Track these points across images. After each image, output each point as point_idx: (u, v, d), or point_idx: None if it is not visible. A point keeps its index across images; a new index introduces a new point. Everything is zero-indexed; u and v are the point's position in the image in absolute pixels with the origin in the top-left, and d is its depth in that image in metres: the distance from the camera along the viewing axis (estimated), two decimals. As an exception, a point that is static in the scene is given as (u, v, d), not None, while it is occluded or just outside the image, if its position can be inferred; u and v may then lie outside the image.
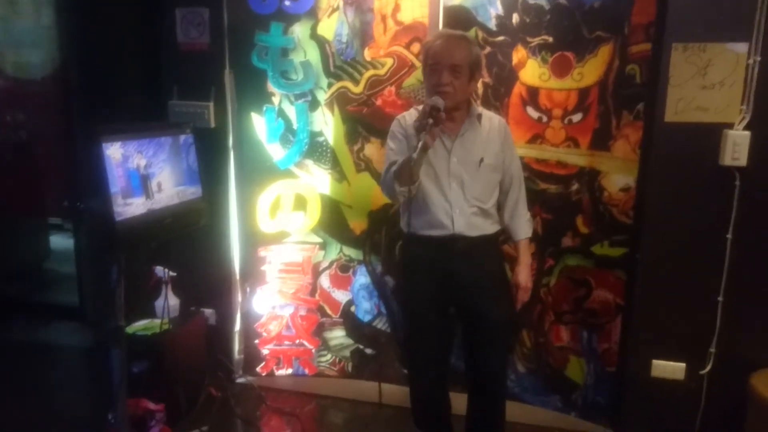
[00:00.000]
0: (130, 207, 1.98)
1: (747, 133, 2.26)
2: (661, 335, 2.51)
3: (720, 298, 2.41)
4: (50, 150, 3.34)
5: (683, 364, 2.51)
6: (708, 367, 2.47)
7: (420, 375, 2.31)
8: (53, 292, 4.15)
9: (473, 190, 2.10)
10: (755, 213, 2.33)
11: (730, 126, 2.28)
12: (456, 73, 2.02)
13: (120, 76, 2.90)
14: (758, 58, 2.22)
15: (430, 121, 1.90)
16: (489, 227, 2.16)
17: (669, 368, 2.52)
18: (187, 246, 2.70)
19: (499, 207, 2.23)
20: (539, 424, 2.57)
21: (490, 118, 2.18)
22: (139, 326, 2.64)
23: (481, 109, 2.18)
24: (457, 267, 2.13)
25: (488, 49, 2.55)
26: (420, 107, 2.15)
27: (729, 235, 2.36)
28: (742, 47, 2.23)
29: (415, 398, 2.37)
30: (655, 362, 2.53)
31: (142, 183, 2.03)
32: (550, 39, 2.48)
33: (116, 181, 1.89)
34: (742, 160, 2.27)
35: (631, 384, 2.58)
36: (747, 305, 2.40)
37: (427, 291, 2.16)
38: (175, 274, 2.71)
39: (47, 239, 4.61)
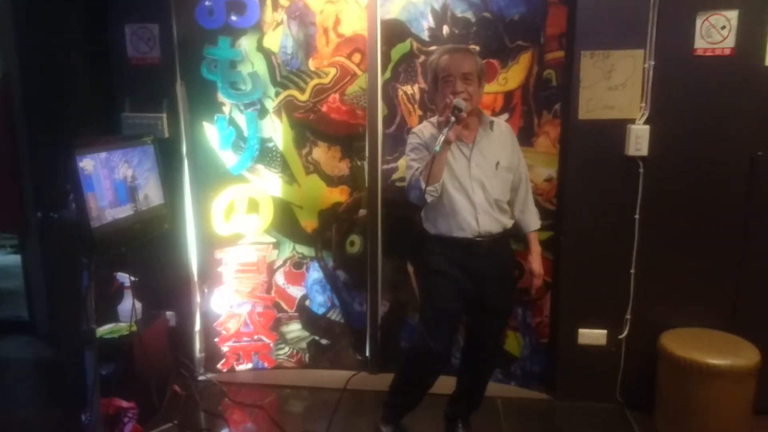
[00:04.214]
0: (106, 215, 2.11)
1: (647, 127, 2.62)
2: (585, 307, 2.85)
3: (632, 271, 2.77)
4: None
5: (605, 331, 2.85)
6: (625, 332, 2.83)
7: (434, 363, 2.45)
8: (-4, 308, 4.10)
9: (493, 192, 2.31)
10: (657, 195, 2.70)
11: (633, 121, 2.64)
12: (468, 81, 2.24)
13: (69, 90, 2.96)
14: (652, 62, 2.59)
15: (453, 119, 2.12)
16: (507, 222, 2.40)
17: (593, 335, 2.86)
18: (147, 251, 2.81)
19: (509, 203, 2.44)
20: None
21: (498, 123, 2.41)
22: (105, 330, 2.73)
23: (491, 117, 2.41)
24: (481, 263, 2.33)
25: (422, 57, 2.80)
26: (433, 119, 2.36)
27: (636, 216, 2.72)
28: (639, 53, 2.60)
29: (419, 385, 2.55)
30: (581, 331, 2.87)
31: (129, 193, 2.17)
32: (477, 48, 2.76)
33: (104, 193, 2.03)
34: (644, 151, 2.64)
35: (561, 352, 2.91)
36: (655, 276, 2.76)
37: (452, 285, 2.35)
38: (136, 279, 2.82)
39: (-16, 255, 4.53)
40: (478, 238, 2.31)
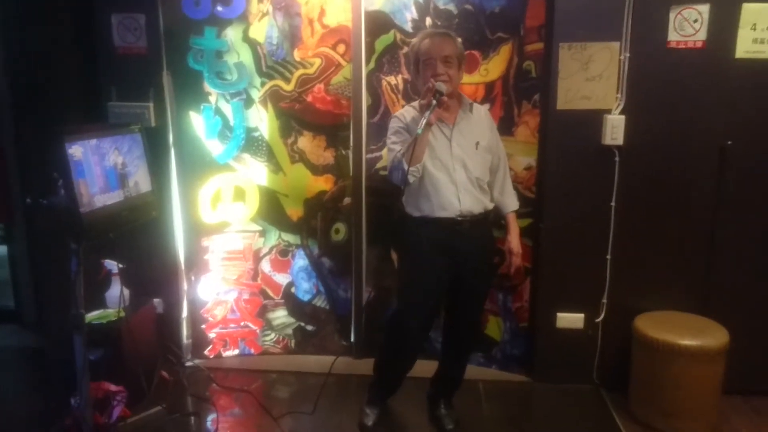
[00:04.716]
0: (97, 201, 2.15)
1: (622, 117, 2.71)
2: (563, 291, 2.94)
3: (608, 256, 2.86)
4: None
5: (582, 315, 2.95)
6: (602, 316, 2.93)
7: (410, 340, 2.53)
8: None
9: (474, 171, 2.39)
10: (632, 183, 2.79)
11: (609, 111, 2.73)
12: (448, 64, 2.31)
13: (56, 79, 2.98)
14: (628, 54, 2.67)
15: (434, 102, 2.19)
16: (488, 203, 2.47)
17: (571, 319, 2.96)
18: (135, 239, 2.84)
19: (489, 185, 2.50)
20: (465, 378, 2.82)
21: (477, 107, 2.50)
22: (93, 316, 2.77)
23: (470, 100, 2.49)
24: (463, 244, 2.40)
25: (406, 48, 2.86)
26: (415, 104, 2.42)
27: (613, 203, 2.81)
28: (615, 45, 2.68)
29: (398, 364, 2.63)
30: (560, 315, 2.96)
31: (119, 180, 2.21)
32: (459, 39, 2.82)
33: (95, 179, 2.07)
34: (620, 140, 2.72)
35: (540, 336, 3.01)
36: (630, 261, 2.86)
37: (434, 266, 2.41)
38: (123, 266, 2.85)
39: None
40: (459, 218, 2.38)
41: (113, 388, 2.59)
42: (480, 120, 2.47)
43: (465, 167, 2.38)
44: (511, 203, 2.59)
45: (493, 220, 2.60)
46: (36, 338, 3.37)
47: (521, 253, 2.61)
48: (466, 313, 2.56)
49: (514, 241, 2.57)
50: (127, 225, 2.41)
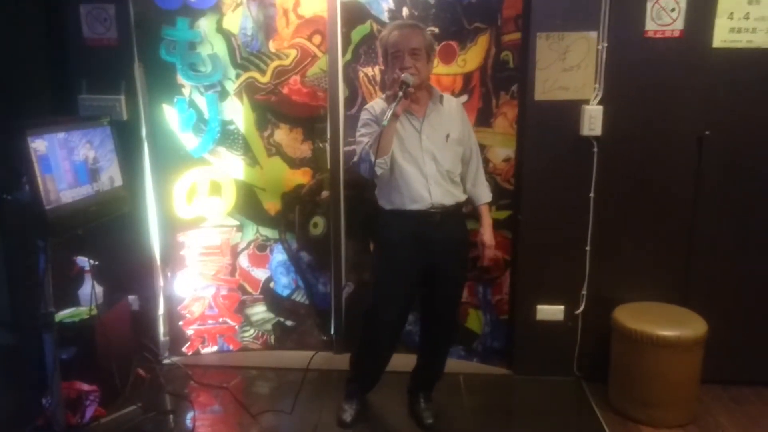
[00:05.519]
0: (64, 196, 2.10)
1: (600, 107, 2.70)
2: (543, 283, 2.93)
3: (587, 248, 2.85)
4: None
5: (562, 307, 2.94)
6: (581, 307, 2.92)
7: (385, 332, 2.53)
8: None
9: (444, 163, 2.37)
10: (610, 174, 2.78)
11: (587, 102, 2.71)
12: (416, 56, 2.28)
13: (23, 72, 2.90)
14: (605, 44, 2.65)
15: (401, 93, 2.17)
16: (460, 195, 2.45)
17: (551, 311, 2.95)
18: (107, 235, 2.79)
19: (462, 178, 2.49)
20: (446, 371, 2.81)
21: (448, 99, 2.47)
22: (65, 314, 2.71)
23: (441, 92, 2.46)
24: (435, 235, 2.38)
25: (382, 39, 2.82)
26: (384, 96, 2.38)
27: (591, 194, 2.80)
28: (592, 35, 2.66)
29: (374, 357, 2.62)
30: (539, 307, 2.95)
31: (89, 174, 2.16)
32: (437, 30, 2.79)
33: (63, 175, 2.01)
34: (598, 131, 2.71)
35: (520, 328, 2.99)
36: (609, 252, 2.86)
37: (408, 259, 2.40)
38: (96, 262, 2.80)
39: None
40: (431, 210, 2.36)
41: (86, 387, 2.54)
42: (451, 112, 2.44)
43: (435, 160, 2.36)
44: (483, 195, 2.57)
45: (469, 212, 2.58)
46: (10, 336, 3.29)
47: (494, 245, 2.58)
48: (442, 306, 2.54)
49: (486, 233, 2.56)
50: (97, 220, 2.36)
